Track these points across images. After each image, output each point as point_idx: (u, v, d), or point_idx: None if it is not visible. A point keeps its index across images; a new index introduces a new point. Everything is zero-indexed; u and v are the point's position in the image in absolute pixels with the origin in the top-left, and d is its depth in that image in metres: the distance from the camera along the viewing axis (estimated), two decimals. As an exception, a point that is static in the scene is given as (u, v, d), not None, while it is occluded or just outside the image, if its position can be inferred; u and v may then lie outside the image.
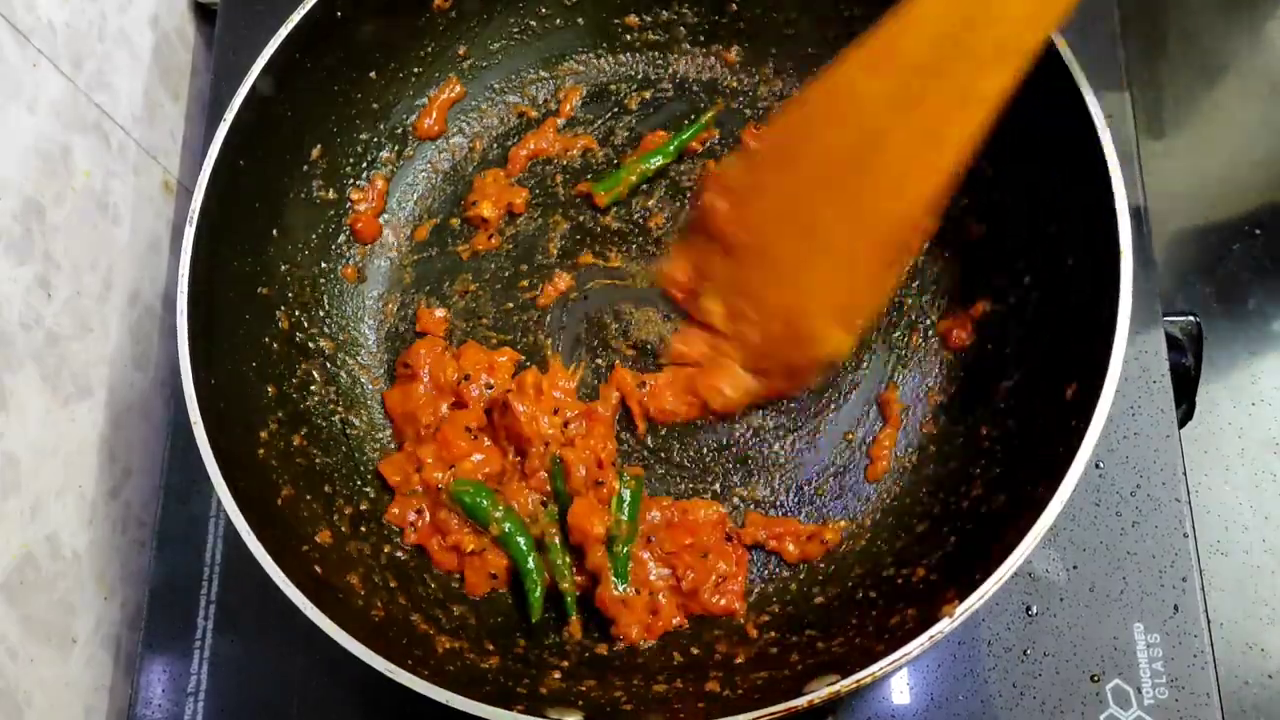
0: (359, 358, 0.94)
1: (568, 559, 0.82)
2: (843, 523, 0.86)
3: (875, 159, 0.71)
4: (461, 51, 0.99)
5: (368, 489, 0.89)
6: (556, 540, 0.82)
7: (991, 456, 0.82)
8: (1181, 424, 0.89)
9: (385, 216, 0.99)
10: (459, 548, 0.84)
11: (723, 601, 0.83)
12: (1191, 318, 0.93)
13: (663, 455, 0.89)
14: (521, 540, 0.82)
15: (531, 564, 0.82)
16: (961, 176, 0.75)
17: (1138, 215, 0.91)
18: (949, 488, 0.84)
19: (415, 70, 0.97)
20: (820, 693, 0.65)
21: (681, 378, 0.84)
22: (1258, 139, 1.09)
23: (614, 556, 0.81)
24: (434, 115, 0.99)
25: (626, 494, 0.82)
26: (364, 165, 0.97)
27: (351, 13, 0.88)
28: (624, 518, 0.82)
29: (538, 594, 0.82)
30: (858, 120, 0.72)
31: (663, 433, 0.90)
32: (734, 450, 0.89)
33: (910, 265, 0.92)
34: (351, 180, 0.96)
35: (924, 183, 0.71)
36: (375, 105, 0.96)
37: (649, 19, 0.99)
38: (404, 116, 0.99)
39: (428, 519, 0.86)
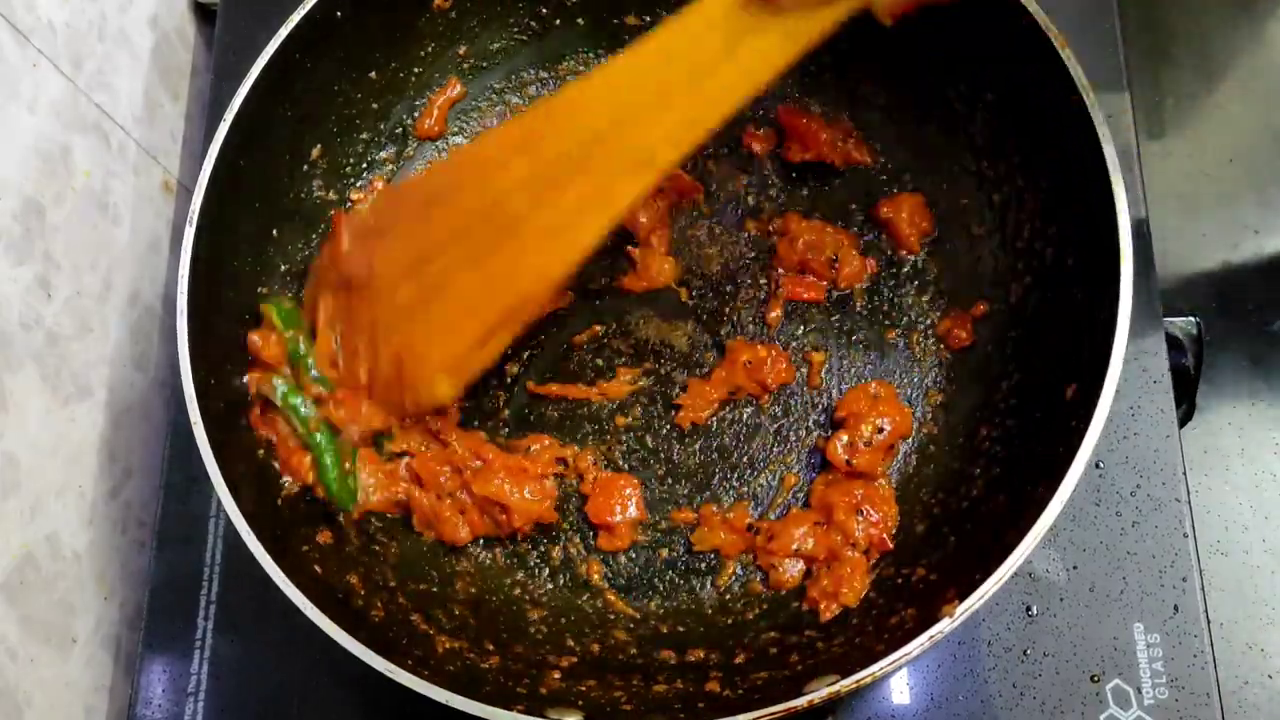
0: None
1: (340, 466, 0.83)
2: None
3: (506, 234, 0.74)
4: (462, 51, 0.99)
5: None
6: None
7: (991, 456, 0.82)
8: (1181, 424, 0.89)
9: (385, 216, 0.98)
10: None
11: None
12: (1191, 318, 0.93)
13: (661, 457, 0.90)
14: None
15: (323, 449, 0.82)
16: (958, 178, 0.76)
17: (1138, 216, 0.91)
18: (949, 488, 0.84)
19: (415, 70, 0.97)
20: (820, 693, 0.65)
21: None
22: (1258, 139, 1.09)
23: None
24: (434, 115, 0.99)
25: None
26: (364, 165, 0.97)
27: (351, 13, 0.88)
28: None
29: (333, 474, 0.82)
30: (496, 194, 0.74)
31: (663, 433, 0.90)
32: (726, 453, 0.89)
33: (904, 267, 0.92)
34: (351, 180, 0.96)
35: (547, 265, 0.74)
36: (375, 105, 0.96)
37: (648, 19, 0.99)
38: (404, 117, 0.99)
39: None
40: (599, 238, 0.73)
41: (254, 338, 0.83)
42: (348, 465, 0.83)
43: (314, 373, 0.83)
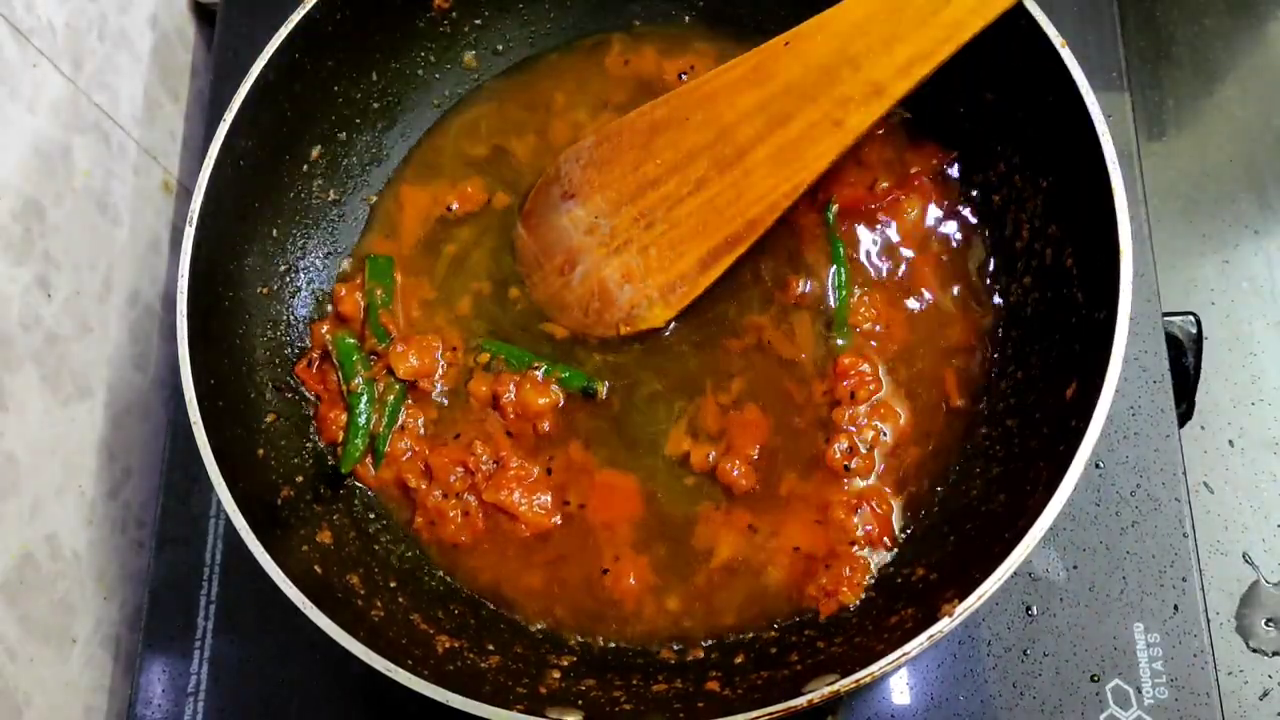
0: (359, 358, 0.94)
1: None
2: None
3: (733, 163, 0.78)
4: (463, 52, 0.99)
5: (369, 488, 0.89)
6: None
7: (991, 456, 0.82)
8: (1181, 424, 0.89)
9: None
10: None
11: None
12: (1191, 318, 0.93)
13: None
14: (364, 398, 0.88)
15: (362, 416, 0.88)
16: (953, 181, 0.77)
17: (1138, 215, 0.91)
18: (949, 488, 0.84)
19: (416, 71, 0.97)
20: (820, 692, 0.65)
21: None
22: (1258, 139, 1.09)
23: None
24: (434, 115, 0.99)
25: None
26: (364, 165, 0.97)
27: (351, 13, 0.88)
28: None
29: (359, 437, 0.87)
30: (723, 125, 0.79)
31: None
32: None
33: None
34: (352, 180, 0.96)
35: (774, 191, 0.78)
36: (375, 105, 0.96)
37: (641, 11, 0.99)
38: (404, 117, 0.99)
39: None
40: (827, 165, 0.77)
41: (338, 287, 0.91)
42: (381, 427, 0.87)
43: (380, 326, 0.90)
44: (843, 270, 0.89)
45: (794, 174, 0.78)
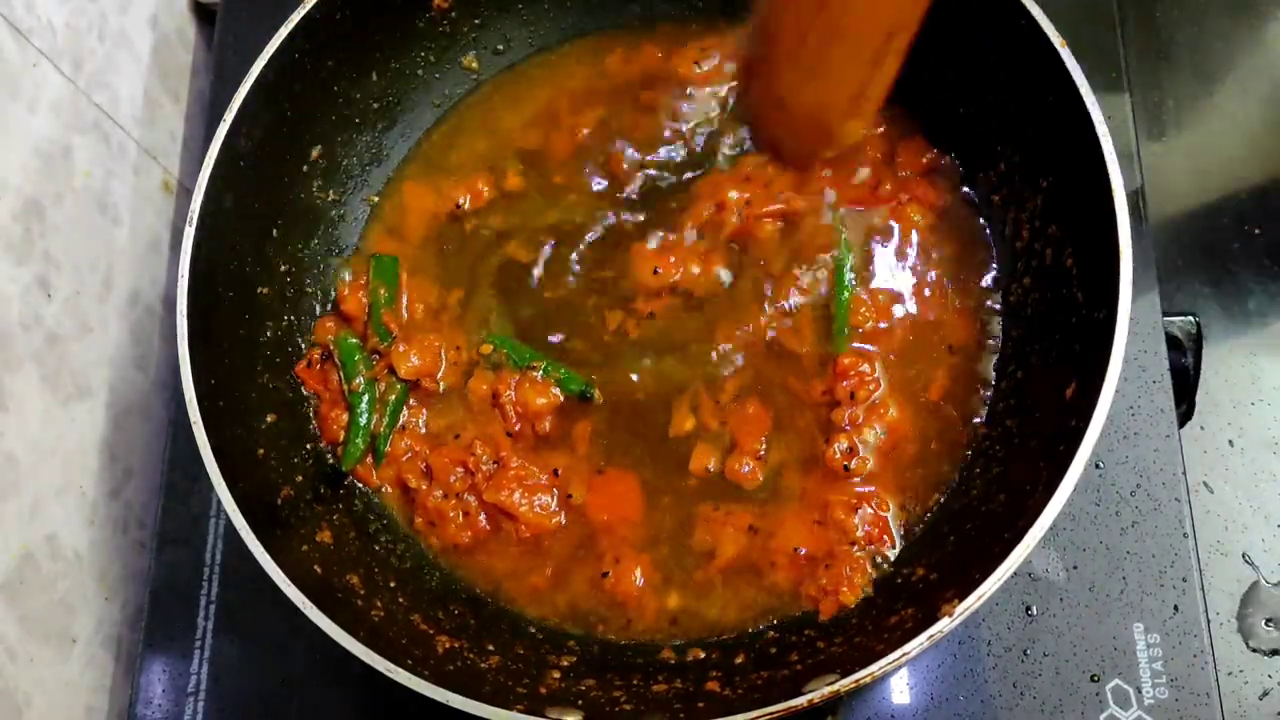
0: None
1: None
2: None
3: None
4: (463, 51, 0.99)
5: (367, 487, 0.89)
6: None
7: (991, 456, 0.82)
8: (1181, 424, 0.89)
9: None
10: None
11: None
12: (1191, 318, 0.93)
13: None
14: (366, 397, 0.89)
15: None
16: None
17: (1138, 215, 0.91)
18: (949, 488, 0.84)
19: (417, 71, 0.97)
20: (820, 692, 0.65)
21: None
22: (1258, 139, 1.09)
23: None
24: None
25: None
26: (364, 166, 0.97)
27: (351, 13, 0.88)
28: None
29: (359, 435, 0.88)
30: None
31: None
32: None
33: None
34: (351, 181, 0.96)
35: None
36: (375, 105, 0.96)
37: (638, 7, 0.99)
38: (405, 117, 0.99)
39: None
40: None
41: (341, 286, 0.92)
42: (383, 427, 0.88)
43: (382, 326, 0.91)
44: (846, 268, 0.89)
45: None
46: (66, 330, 0.89)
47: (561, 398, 0.88)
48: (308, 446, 0.88)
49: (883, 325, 0.89)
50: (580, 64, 1.02)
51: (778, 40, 0.86)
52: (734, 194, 0.91)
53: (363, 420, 0.88)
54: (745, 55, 0.94)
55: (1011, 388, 0.84)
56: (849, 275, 0.89)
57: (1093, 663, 0.82)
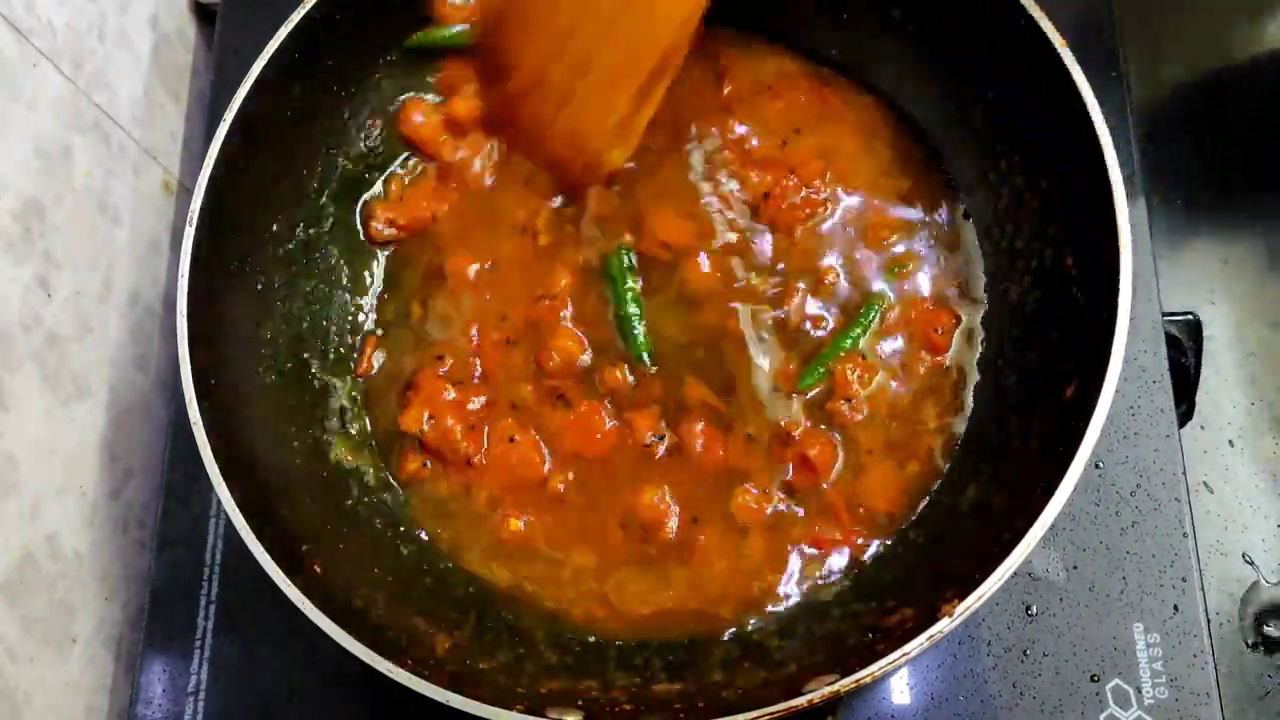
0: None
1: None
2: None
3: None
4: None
5: (367, 488, 0.89)
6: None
7: (991, 457, 0.82)
8: (1181, 424, 0.89)
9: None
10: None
11: None
12: (1191, 317, 0.93)
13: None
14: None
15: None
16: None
17: (1138, 215, 0.91)
18: (949, 487, 0.84)
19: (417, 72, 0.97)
20: (820, 692, 0.65)
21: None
22: (1258, 139, 1.09)
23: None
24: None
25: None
26: (364, 166, 0.97)
27: (351, 13, 0.88)
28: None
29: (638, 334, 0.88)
30: None
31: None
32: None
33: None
34: (352, 181, 0.96)
35: (679, 9, 0.77)
36: (375, 105, 0.96)
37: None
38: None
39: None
40: None
41: None
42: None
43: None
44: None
45: None
46: (66, 330, 0.89)
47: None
48: (307, 446, 0.88)
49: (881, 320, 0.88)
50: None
51: (518, 58, 0.83)
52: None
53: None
54: (479, 61, 0.91)
55: (1011, 388, 0.84)
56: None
57: (1093, 663, 0.82)
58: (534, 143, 0.86)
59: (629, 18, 0.77)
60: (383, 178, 0.97)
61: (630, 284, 0.89)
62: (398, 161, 0.97)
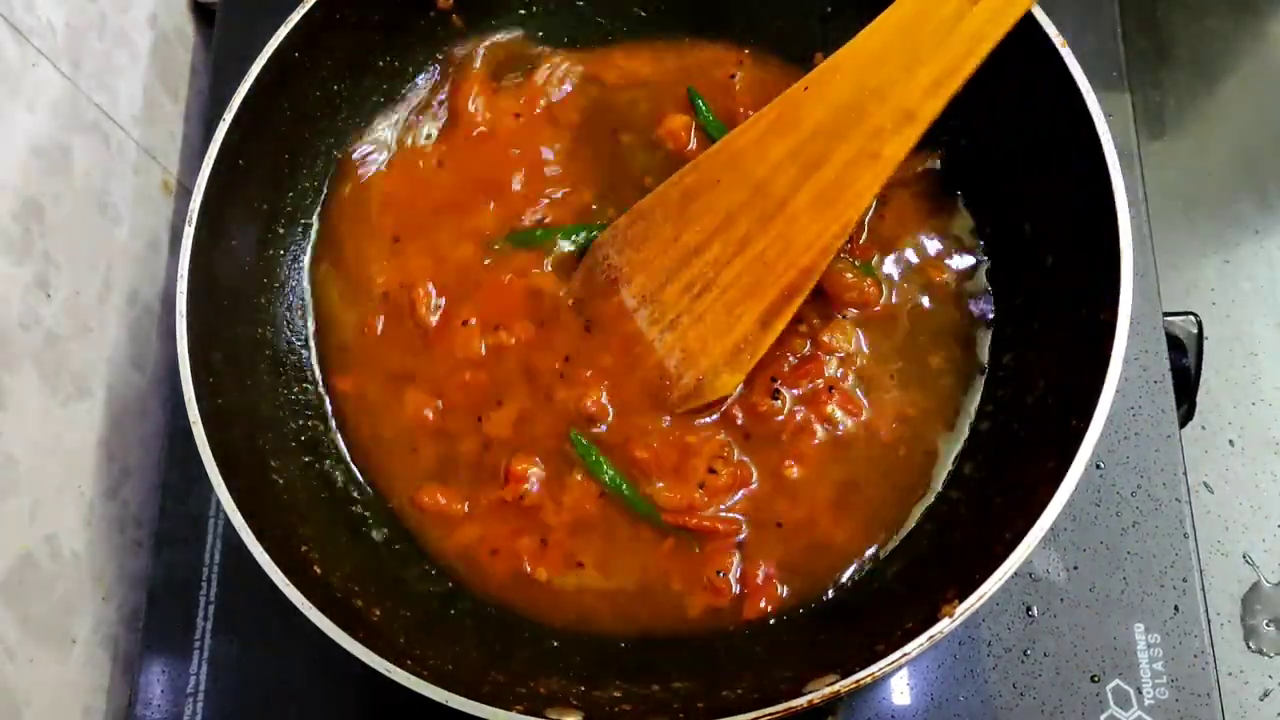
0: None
1: None
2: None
3: (774, 215, 0.76)
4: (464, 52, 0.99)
5: (368, 487, 0.89)
6: None
7: (991, 457, 0.82)
8: (1181, 424, 0.89)
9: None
10: None
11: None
12: (1191, 317, 0.93)
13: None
14: None
15: None
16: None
17: (1138, 215, 0.91)
18: (948, 488, 0.84)
19: (417, 72, 0.97)
20: (820, 693, 0.65)
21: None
22: (1258, 139, 1.09)
23: None
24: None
25: None
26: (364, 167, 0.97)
27: (352, 13, 0.88)
28: None
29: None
30: (757, 180, 0.77)
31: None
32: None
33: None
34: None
35: (822, 235, 0.76)
36: (376, 106, 0.96)
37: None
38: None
39: None
40: (872, 198, 0.76)
41: None
42: None
43: None
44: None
45: (840, 214, 0.75)
46: (65, 330, 0.88)
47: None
48: (307, 446, 0.88)
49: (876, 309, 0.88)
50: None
51: (632, 271, 0.81)
52: None
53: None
54: (590, 259, 0.86)
55: (1011, 387, 0.84)
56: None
57: (1093, 663, 0.82)
58: (628, 359, 0.83)
59: (764, 238, 0.77)
60: (382, 177, 0.97)
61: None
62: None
